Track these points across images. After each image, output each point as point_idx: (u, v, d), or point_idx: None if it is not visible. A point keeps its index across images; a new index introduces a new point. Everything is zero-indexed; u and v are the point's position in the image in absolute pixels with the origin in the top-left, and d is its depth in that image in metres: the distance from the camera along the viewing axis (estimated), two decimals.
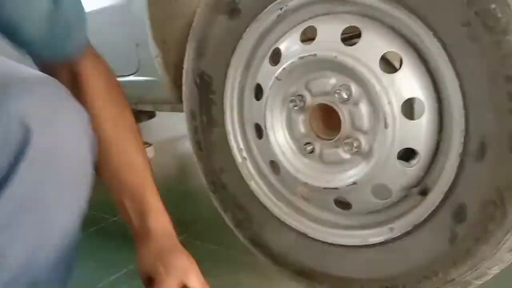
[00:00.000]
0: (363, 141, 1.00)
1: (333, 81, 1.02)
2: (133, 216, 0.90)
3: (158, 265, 0.86)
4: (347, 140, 1.01)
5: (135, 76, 1.43)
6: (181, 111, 1.33)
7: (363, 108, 0.99)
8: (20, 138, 0.70)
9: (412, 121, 0.95)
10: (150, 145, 1.93)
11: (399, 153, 0.96)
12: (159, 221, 0.90)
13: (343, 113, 1.01)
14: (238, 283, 1.41)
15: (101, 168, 0.86)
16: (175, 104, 1.39)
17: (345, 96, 0.99)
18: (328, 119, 1.08)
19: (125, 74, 1.42)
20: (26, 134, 0.71)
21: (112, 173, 0.90)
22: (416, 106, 0.99)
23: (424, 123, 0.94)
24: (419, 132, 0.94)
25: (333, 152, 1.05)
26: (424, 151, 0.95)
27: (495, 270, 0.92)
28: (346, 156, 1.03)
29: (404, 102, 0.94)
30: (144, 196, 0.90)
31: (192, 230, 1.79)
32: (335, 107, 1.02)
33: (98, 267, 1.55)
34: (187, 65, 1.26)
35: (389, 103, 0.93)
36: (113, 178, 0.90)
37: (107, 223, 1.97)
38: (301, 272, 1.18)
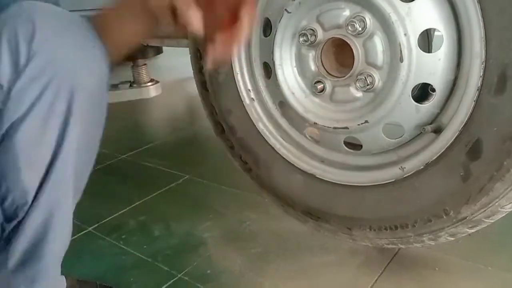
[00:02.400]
0: (377, 77, 0.95)
1: (346, 12, 0.96)
2: None
3: None
4: (360, 77, 0.97)
5: None
6: (188, 46, 1.28)
7: (378, 41, 0.94)
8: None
9: (429, 53, 0.90)
10: (157, 82, 1.91)
11: (413, 89, 0.91)
12: None
13: (357, 47, 0.96)
14: (242, 221, 1.43)
15: None
16: (181, 38, 1.35)
17: (359, 28, 0.94)
18: (340, 56, 1.04)
19: None
20: None
21: None
22: (433, 38, 0.94)
23: (442, 56, 0.89)
24: (436, 66, 0.89)
25: (345, 90, 1.01)
26: (440, 86, 0.91)
27: (508, 208, 0.90)
28: (358, 94, 1.00)
29: (421, 33, 0.89)
30: None
31: (199, 170, 1.81)
32: (348, 41, 0.97)
33: (106, 203, 1.59)
34: None
35: (406, 34, 0.88)
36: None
37: (115, 161, 1.99)
38: (308, 212, 1.17)
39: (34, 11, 0.72)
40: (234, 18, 0.74)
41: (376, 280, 1.13)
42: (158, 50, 1.93)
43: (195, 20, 0.71)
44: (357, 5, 0.94)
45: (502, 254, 1.18)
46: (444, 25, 0.88)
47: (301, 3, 1.00)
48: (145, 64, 1.88)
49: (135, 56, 1.81)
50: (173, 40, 1.48)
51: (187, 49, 1.28)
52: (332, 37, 1.00)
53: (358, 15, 0.94)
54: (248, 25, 0.75)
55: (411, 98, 0.92)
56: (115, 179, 1.82)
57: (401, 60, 0.89)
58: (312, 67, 1.06)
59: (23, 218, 0.78)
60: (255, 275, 1.18)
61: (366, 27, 0.94)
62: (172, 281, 1.18)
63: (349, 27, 0.95)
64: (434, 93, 0.92)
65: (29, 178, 0.75)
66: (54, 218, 0.79)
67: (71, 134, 0.75)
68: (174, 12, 0.75)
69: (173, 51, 2.00)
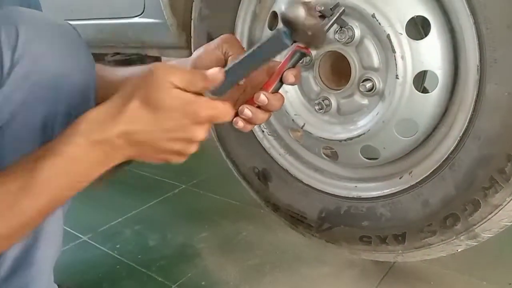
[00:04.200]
0: (376, 79, 0.96)
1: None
2: None
3: None
4: (361, 83, 0.97)
5: (140, 18, 1.38)
6: (187, 56, 1.29)
7: (369, 44, 0.95)
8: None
9: (421, 40, 0.90)
10: None
11: (414, 79, 0.91)
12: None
13: (351, 55, 0.97)
14: (238, 232, 1.43)
15: None
16: (182, 49, 1.35)
17: (348, 36, 0.96)
18: (337, 69, 1.04)
19: (130, 16, 1.38)
20: None
21: None
22: (423, 25, 0.95)
23: (436, 40, 0.89)
24: (433, 51, 0.89)
25: (350, 100, 1.02)
26: (441, 71, 0.90)
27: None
28: (364, 101, 1.00)
29: (409, 21, 0.89)
30: None
31: (195, 180, 1.81)
32: (341, 52, 0.98)
33: (101, 212, 1.58)
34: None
35: (390, 25, 0.89)
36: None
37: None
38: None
39: (17, 16, 0.71)
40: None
41: None
42: (157, 60, 1.94)
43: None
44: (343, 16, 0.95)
45: (498, 268, 1.18)
46: (432, 13, 0.89)
47: None
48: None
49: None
50: (171, 50, 1.48)
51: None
52: (325, 52, 1.02)
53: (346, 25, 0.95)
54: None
55: (414, 89, 0.91)
56: (111, 188, 1.81)
57: (394, 51, 0.90)
58: (314, 87, 1.07)
59: None
60: (250, 287, 1.17)
61: (355, 35, 0.95)
62: None
63: (339, 38, 0.96)
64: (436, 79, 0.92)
65: None
66: (45, 224, 0.78)
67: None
68: None
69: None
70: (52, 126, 0.73)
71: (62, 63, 0.72)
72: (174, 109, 0.62)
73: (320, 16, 0.74)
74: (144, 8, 1.34)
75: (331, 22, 0.75)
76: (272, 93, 0.74)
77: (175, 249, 1.35)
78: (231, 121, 0.72)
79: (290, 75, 0.74)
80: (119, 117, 0.62)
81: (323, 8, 0.74)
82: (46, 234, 0.79)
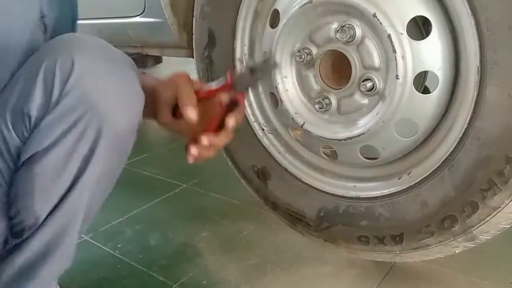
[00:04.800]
0: (376, 79, 0.96)
1: (334, 25, 0.98)
2: None
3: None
4: (361, 83, 0.97)
5: (141, 17, 1.38)
6: (188, 56, 1.29)
7: (370, 43, 0.95)
8: None
9: (421, 40, 0.89)
10: None
11: (415, 80, 0.91)
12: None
13: (351, 54, 0.97)
14: (239, 231, 1.43)
15: None
16: (182, 48, 1.35)
17: (350, 35, 0.96)
18: (338, 69, 1.04)
19: (131, 15, 1.38)
20: None
21: None
22: (424, 25, 0.94)
23: (437, 41, 0.89)
24: (434, 52, 0.89)
25: (350, 100, 1.02)
26: (442, 72, 0.90)
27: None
28: (364, 100, 1.00)
29: (410, 21, 0.89)
30: None
31: (196, 179, 1.81)
32: (342, 51, 0.98)
33: (102, 211, 1.56)
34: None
35: (391, 25, 0.88)
36: None
37: None
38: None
39: (76, 45, 0.72)
40: (220, 123, 0.83)
41: None
42: (157, 60, 1.93)
43: (191, 114, 0.79)
44: (344, 14, 0.96)
45: (499, 268, 1.18)
46: (433, 13, 0.88)
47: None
48: (144, 73, 1.88)
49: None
50: (172, 50, 1.48)
51: (186, 59, 1.28)
52: (326, 51, 1.02)
53: (347, 24, 0.96)
54: (232, 133, 0.84)
55: (414, 89, 0.91)
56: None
57: (394, 51, 0.89)
58: (314, 85, 1.07)
59: (28, 237, 0.78)
60: (251, 287, 1.17)
61: (356, 34, 0.95)
62: None
63: (340, 37, 0.97)
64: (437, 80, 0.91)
65: (41, 207, 0.76)
66: (59, 241, 0.79)
67: (92, 169, 0.75)
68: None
69: (172, 60, 2.00)
70: (89, 158, 0.74)
71: (110, 102, 0.72)
72: None
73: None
74: (144, 7, 1.35)
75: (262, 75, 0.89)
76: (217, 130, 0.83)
77: (176, 248, 1.36)
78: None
79: (231, 121, 0.83)
80: None
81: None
82: (56, 254, 0.80)
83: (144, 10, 1.35)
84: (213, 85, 0.85)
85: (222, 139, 0.84)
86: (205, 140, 0.80)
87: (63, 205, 0.76)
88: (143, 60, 1.78)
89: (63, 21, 0.86)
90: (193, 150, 0.81)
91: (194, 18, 1.23)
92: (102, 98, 0.71)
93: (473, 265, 1.18)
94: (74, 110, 0.70)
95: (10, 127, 0.72)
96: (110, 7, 1.45)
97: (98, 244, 1.39)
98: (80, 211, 0.79)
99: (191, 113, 0.78)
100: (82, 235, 1.43)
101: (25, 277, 0.80)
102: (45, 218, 0.77)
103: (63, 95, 0.69)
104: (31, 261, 0.79)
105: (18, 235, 0.79)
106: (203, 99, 0.83)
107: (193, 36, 1.25)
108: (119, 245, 1.38)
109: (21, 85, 0.72)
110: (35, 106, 0.70)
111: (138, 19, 1.38)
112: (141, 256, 1.32)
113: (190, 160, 0.82)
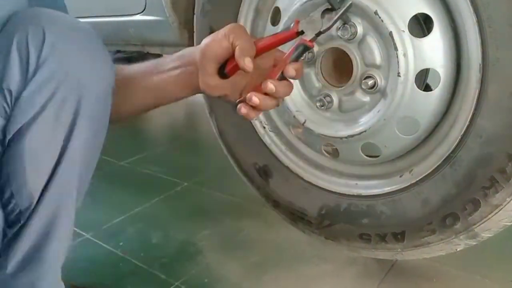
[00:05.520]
0: (378, 76, 0.95)
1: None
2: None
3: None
4: (363, 80, 0.97)
5: (141, 15, 1.38)
6: None
7: (371, 41, 0.94)
8: None
9: (423, 38, 0.89)
10: None
11: (416, 77, 0.90)
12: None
13: (353, 52, 0.97)
14: (240, 229, 1.43)
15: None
16: (183, 46, 1.35)
17: (351, 33, 0.95)
18: (339, 67, 1.04)
19: (131, 13, 1.38)
20: None
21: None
22: (426, 23, 0.94)
23: (438, 38, 0.88)
24: (435, 49, 0.88)
25: (352, 97, 1.01)
26: (444, 69, 0.89)
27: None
28: (366, 98, 0.99)
29: (411, 19, 0.88)
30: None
31: (197, 178, 1.81)
32: (343, 48, 0.98)
33: (104, 209, 1.58)
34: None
35: (393, 23, 0.88)
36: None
37: (114, 167, 1.99)
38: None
39: (44, 17, 0.73)
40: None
41: None
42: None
43: (248, 65, 0.79)
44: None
45: (500, 266, 1.18)
46: (435, 10, 0.88)
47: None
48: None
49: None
50: (173, 48, 1.48)
51: None
52: (327, 49, 1.01)
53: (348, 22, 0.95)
54: (291, 85, 0.83)
55: (416, 87, 0.91)
56: (114, 185, 1.81)
57: (396, 49, 0.89)
58: (316, 83, 1.06)
59: (25, 222, 0.78)
60: (252, 285, 1.17)
61: (357, 31, 0.95)
62: None
63: (341, 35, 0.96)
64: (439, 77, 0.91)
65: (35, 181, 0.76)
66: (57, 219, 0.79)
67: (78, 136, 0.76)
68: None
69: None
70: (74, 123, 0.75)
71: (85, 63, 0.74)
72: None
73: (328, 9, 0.82)
74: (145, 5, 1.34)
75: (338, 15, 0.82)
76: (279, 80, 0.80)
77: (178, 246, 1.36)
78: (235, 108, 0.81)
79: (291, 69, 0.80)
80: None
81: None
82: (58, 230, 0.80)
83: (145, 8, 1.35)
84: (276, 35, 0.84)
85: (285, 86, 0.82)
86: (270, 85, 0.79)
87: (55, 179, 0.76)
88: (143, 58, 1.77)
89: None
90: (255, 99, 0.79)
91: (195, 16, 1.22)
92: (77, 65, 0.73)
93: (474, 263, 1.18)
94: (52, 79, 0.71)
95: None
96: (111, 5, 1.45)
97: (100, 242, 1.39)
98: (73, 182, 0.79)
99: (248, 64, 0.78)
100: (84, 233, 1.44)
101: (32, 264, 0.79)
102: (40, 197, 0.76)
103: (39, 64, 0.70)
104: (34, 245, 0.78)
105: (15, 223, 0.78)
106: (261, 51, 0.83)
107: (194, 34, 1.25)
108: (121, 243, 1.38)
109: None
110: (13, 80, 0.70)
111: (139, 17, 1.38)
112: (142, 254, 1.32)
113: (243, 111, 0.81)
